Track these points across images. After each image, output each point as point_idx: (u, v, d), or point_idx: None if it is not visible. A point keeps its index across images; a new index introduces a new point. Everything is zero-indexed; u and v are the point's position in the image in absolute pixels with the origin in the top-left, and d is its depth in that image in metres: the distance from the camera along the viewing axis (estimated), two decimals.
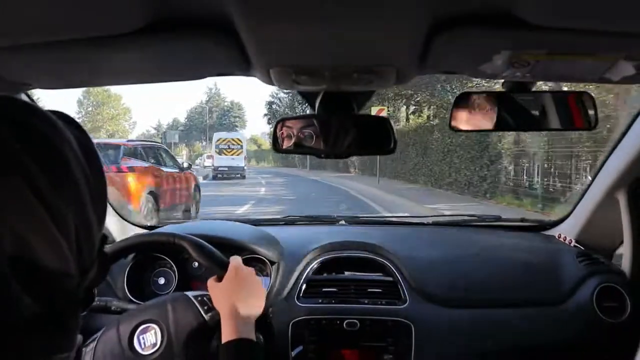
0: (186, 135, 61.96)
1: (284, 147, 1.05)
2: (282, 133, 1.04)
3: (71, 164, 0.38)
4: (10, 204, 0.33)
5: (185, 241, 0.99)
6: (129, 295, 1.37)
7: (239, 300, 0.89)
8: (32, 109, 0.39)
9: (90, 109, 49.15)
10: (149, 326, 0.93)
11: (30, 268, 0.34)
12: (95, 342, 0.92)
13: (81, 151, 0.40)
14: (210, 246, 0.99)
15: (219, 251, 1.00)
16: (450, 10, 0.64)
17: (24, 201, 0.34)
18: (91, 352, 0.91)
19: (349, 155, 1.06)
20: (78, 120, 0.44)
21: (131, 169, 7.03)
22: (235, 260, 0.96)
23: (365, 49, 0.74)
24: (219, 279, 0.94)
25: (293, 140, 1.04)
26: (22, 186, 0.34)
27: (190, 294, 0.98)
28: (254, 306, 0.91)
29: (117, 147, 7.41)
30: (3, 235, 0.33)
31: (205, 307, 0.94)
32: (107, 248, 1.03)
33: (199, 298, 0.96)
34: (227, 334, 0.85)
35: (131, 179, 6.88)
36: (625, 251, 1.43)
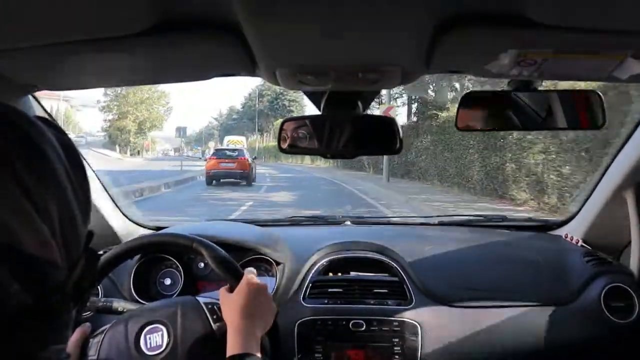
0: (237, 124, 58.72)
1: (289, 146, 1.05)
2: (288, 132, 1.04)
3: (52, 160, 0.41)
4: None
5: (204, 247, 0.99)
6: (135, 295, 1.37)
7: (247, 314, 0.88)
8: (18, 113, 0.42)
9: (120, 90, 43.10)
10: (156, 327, 0.93)
11: (15, 253, 0.36)
12: (103, 335, 0.93)
13: (62, 150, 0.43)
14: (227, 255, 0.98)
15: (226, 252, 1.00)
16: (456, 9, 0.63)
17: (8, 191, 0.37)
18: (98, 344, 0.91)
19: (355, 156, 1.06)
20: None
21: (245, 158, 16.69)
22: (250, 274, 0.95)
23: (370, 49, 0.74)
24: (231, 289, 0.94)
25: (299, 140, 1.04)
26: (7, 177, 0.37)
27: (202, 300, 0.98)
28: (262, 322, 0.90)
29: (241, 149, 17.72)
30: None
31: (215, 317, 0.94)
32: (124, 244, 1.04)
33: (210, 306, 0.96)
34: (231, 348, 0.85)
35: (246, 162, 16.50)
36: (633, 251, 1.42)
